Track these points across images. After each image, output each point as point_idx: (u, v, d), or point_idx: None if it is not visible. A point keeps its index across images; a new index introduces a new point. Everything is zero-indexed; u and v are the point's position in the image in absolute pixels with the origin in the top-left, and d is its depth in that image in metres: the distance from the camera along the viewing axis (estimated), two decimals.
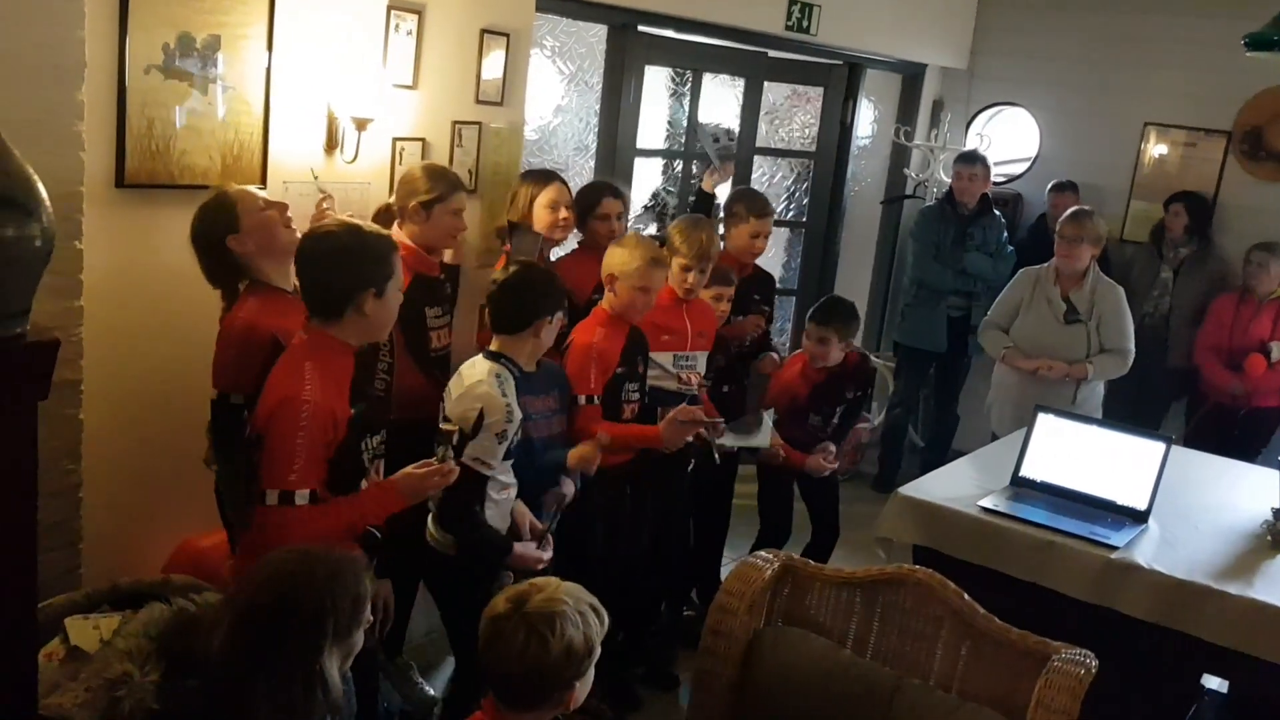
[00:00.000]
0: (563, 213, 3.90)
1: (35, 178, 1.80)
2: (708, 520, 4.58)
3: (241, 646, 2.06)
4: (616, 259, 3.59)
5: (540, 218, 3.87)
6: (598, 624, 2.15)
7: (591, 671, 2.16)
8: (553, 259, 4.04)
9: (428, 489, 2.67)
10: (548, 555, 3.19)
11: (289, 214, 3.00)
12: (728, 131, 5.06)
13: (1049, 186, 6.37)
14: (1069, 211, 5.00)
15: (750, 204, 4.42)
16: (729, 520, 4.70)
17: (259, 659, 2.04)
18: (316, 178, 3.50)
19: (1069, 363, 4.81)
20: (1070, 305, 4.84)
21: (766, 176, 6.59)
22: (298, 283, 2.69)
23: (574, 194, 4.04)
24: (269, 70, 3.34)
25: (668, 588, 4.45)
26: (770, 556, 2.95)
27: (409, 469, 2.65)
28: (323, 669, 2.06)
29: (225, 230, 2.89)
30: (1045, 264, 4.99)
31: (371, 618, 2.29)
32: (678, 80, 5.99)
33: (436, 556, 3.17)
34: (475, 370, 3.11)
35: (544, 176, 3.98)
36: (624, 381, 3.63)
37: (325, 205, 3.45)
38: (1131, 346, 4.87)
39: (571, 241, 4.26)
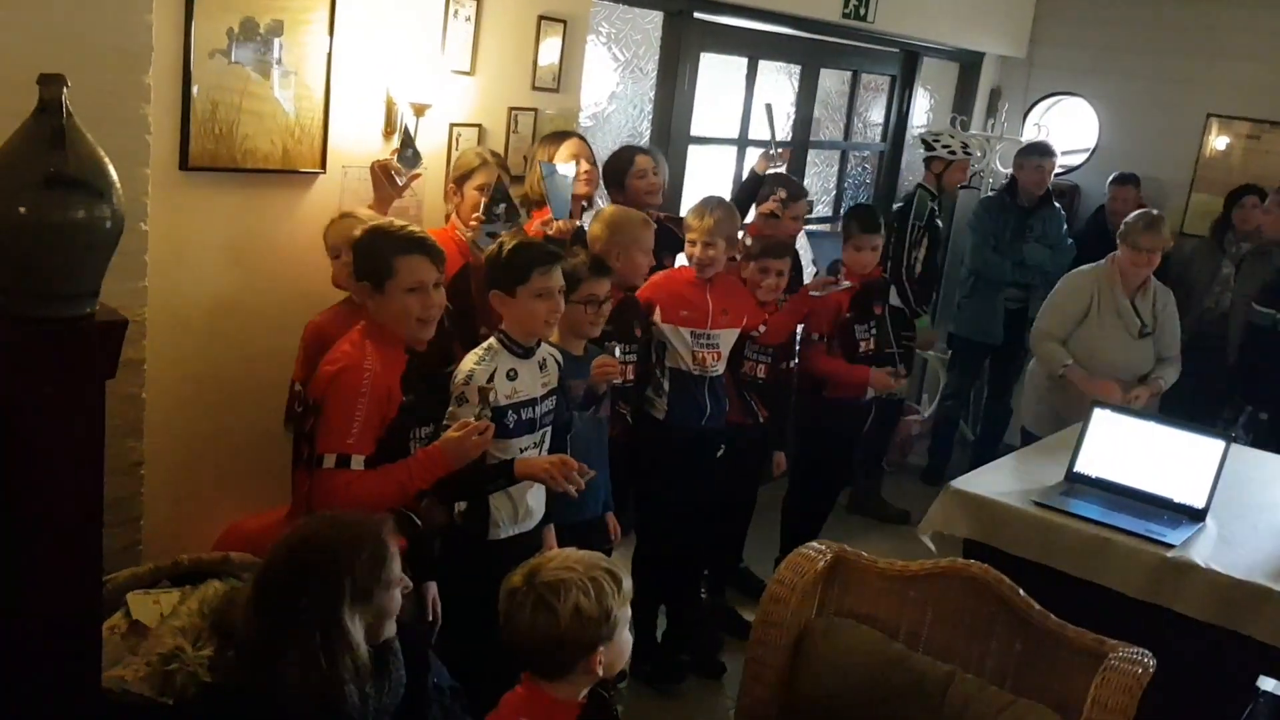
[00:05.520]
0: (584, 165, 3.87)
1: (106, 160, 1.83)
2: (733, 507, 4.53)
3: (264, 610, 2.08)
4: None
5: None
6: (613, 589, 2.07)
7: (623, 637, 2.11)
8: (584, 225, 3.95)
9: (470, 450, 2.64)
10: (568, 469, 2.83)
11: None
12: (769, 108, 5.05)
13: (1110, 179, 6.27)
14: (1145, 221, 4.64)
15: (786, 186, 4.47)
16: (752, 511, 4.64)
17: (281, 622, 2.05)
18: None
19: (1139, 378, 4.62)
20: (1141, 318, 4.66)
21: (820, 167, 6.53)
22: None
23: (597, 160, 4.06)
24: (330, 56, 3.37)
25: (706, 570, 4.46)
26: (822, 547, 2.94)
27: (448, 433, 2.67)
28: (345, 630, 2.06)
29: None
30: (1098, 267, 4.75)
31: (410, 583, 2.29)
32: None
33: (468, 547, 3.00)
34: None
35: (560, 135, 3.95)
36: (606, 339, 3.52)
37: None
38: (1180, 353, 4.75)
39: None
